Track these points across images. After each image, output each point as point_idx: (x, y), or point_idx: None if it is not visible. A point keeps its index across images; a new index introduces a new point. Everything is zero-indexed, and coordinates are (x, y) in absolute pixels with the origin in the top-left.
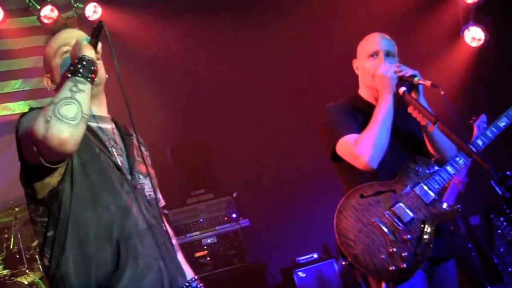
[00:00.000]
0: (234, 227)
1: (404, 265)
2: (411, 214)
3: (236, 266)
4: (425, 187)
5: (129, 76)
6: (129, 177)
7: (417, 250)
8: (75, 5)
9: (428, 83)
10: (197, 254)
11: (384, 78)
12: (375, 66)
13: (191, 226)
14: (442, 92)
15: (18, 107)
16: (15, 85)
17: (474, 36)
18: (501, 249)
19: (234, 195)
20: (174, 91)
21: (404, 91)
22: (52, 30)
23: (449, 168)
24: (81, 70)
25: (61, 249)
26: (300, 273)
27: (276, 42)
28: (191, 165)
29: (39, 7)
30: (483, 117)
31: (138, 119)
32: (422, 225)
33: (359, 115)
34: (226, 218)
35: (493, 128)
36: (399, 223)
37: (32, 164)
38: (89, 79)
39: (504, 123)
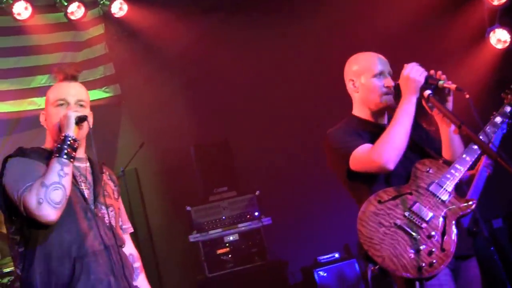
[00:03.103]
0: (256, 225)
1: (434, 261)
2: (430, 212)
3: (257, 264)
4: (439, 186)
5: (153, 74)
6: (92, 207)
7: (443, 245)
8: (102, 2)
9: (453, 86)
10: (219, 251)
11: (409, 80)
12: (385, 84)
13: (214, 223)
14: (467, 96)
15: (44, 102)
16: (42, 80)
17: (500, 38)
18: None
19: (257, 193)
20: (197, 89)
21: (429, 94)
22: (61, 77)
23: (458, 166)
24: (65, 151)
25: (30, 262)
26: (321, 272)
27: (298, 41)
28: (214, 163)
29: (66, 4)
30: None
31: (162, 117)
32: (444, 222)
33: (361, 134)
34: (248, 216)
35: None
36: (421, 222)
37: (15, 205)
38: (71, 159)
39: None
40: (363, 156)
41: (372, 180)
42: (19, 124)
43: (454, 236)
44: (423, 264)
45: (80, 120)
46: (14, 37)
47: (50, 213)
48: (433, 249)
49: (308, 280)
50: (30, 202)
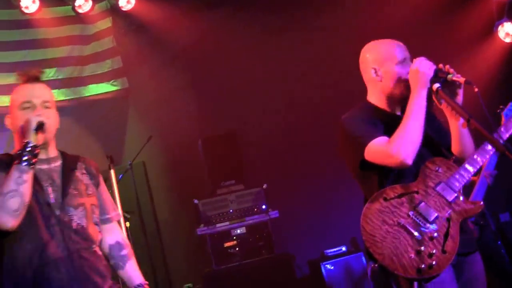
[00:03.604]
0: (263, 218)
1: (433, 263)
2: (435, 212)
3: (264, 257)
4: (447, 186)
5: (160, 67)
6: (58, 212)
7: (445, 247)
8: None
9: (462, 79)
10: (226, 244)
11: (418, 73)
12: (408, 70)
13: (221, 216)
14: (476, 89)
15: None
16: (50, 73)
17: (508, 31)
18: None
19: (264, 186)
20: (205, 83)
21: (438, 88)
22: (25, 79)
23: (468, 166)
24: (25, 158)
25: (0, 273)
26: (328, 266)
27: (304, 34)
28: (222, 156)
29: None
30: (510, 106)
31: (170, 111)
32: (448, 223)
33: (376, 123)
34: (255, 209)
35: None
36: (424, 222)
37: None
38: (31, 165)
39: None
40: (380, 150)
41: (384, 173)
42: None
43: (457, 238)
44: (423, 266)
45: (39, 127)
46: (22, 31)
47: (7, 220)
48: (434, 251)
49: (315, 273)
50: None
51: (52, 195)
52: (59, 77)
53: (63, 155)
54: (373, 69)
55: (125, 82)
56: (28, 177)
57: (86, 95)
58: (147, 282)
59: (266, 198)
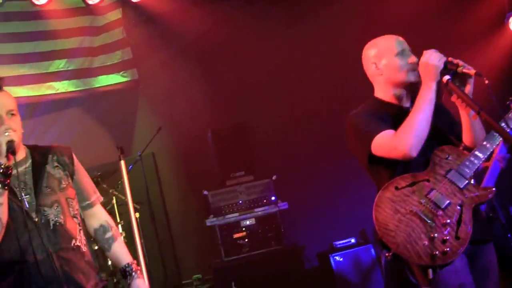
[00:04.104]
0: (273, 209)
1: (447, 249)
2: (447, 199)
3: (273, 248)
4: (458, 173)
5: (170, 58)
6: (34, 215)
7: (458, 233)
8: None
9: (472, 71)
10: (236, 236)
11: (428, 66)
12: (409, 61)
13: (230, 207)
14: (487, 81)
15: (62, 86)
16: (60, 64)
17: None
18: None
19: (274, 177)
20: (215, 74)
21: (448, 80)
22: None
23: (478, 153)
24: None
25: None
26: (337, 257)
27: (315, 26)
28: (231, 147)
29: None
30: None
31: (179, 102)
32: (460, 209)
33: (384, 117)
34: (265, 201)
35: None
36: (437, 209)
37: None
38: (5, 186)
39: None
40: (386, 143)
41: (393, 166)
42: (37, 108)
43: (469, 224)
44: (437, 252)
45: (9, 148)
46: (32, 22)
47: None
48: (448, 237)
49: (324, 265)
50: None
51: (26, 199)
52: (69, 68)
53: (32, 152)
54: (373, 64)
55: (135, 73)
56: (3, 199)
57: (96, 86)
58: (135, 261)
59: (276, 189)
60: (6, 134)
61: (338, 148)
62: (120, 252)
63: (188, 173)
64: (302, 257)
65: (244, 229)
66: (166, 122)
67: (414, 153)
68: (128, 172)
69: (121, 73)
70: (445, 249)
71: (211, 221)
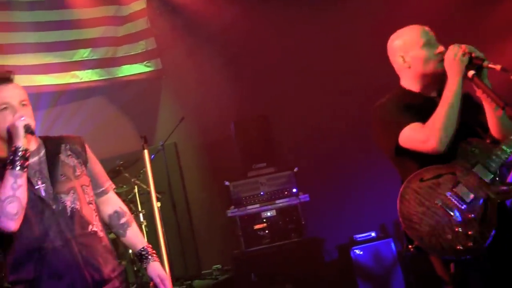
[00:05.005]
0: (294, 201)
1: (471, 244)
2: (472, 193)
3: (293, 240)
4: (484, 167)
5: (194, 49)
6: (51, 203)
7: (482, 228)
8: None
9: (498, 67)
10: (256, 227)
11: (453, 61)
12: (436, 51)
13: (252, 198)
14: None
15: (86, 75)
16: (84, 53)
17: None
18: None
19: (295, 169)
20: (238, 65)
21: (473, 74)
22: None
23: (505, 147)
24: (17, 163)
25: (6, 267)
26: (357, 251)
27: (340, 18)
28: (254, 139)
29: None
30: None
31: (203, 92)
32: (485, 204)
33: (412, 107)
34: (286, 192)
35: None
36: (462, 203)
37: None
38: (24, 169)
39: None
40: (414, 136)
41: (420, 158)
42: (62, 97)
43: (494, 220)
44: (460, 247)
45: (27, 131)
46: (57, 11)
47: (8, 225)
48: (471, 232)
49: (343, 258)
50: None
51: (42, 188)
52: (94, 57)
53: (45, 141)
54: (400, 57)
55: (159, 63)
56: (22, 181)
57: (120, 75)
58: (149, 245)
59: (297, 181)
60: (22, 119)
61: (361, 142)
62: (135, 236)
63: (210, 163)
64: (322, 249)
65: (264, 220)
66: (189, 112)
67: (443, 148)
68: (151, 161)
69: (144, 63)
70: (469, 244)
71: (232, 212)
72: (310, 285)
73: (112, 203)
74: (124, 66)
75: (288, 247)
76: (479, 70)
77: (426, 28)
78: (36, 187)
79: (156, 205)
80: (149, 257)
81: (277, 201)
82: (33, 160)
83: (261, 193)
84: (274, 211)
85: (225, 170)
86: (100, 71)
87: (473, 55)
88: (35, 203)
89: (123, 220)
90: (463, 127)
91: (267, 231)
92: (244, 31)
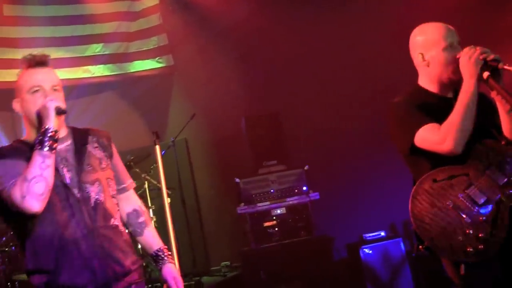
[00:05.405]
0: (304, 199)
1: (481, 246)
2: (485, 196)
3: (303, 238)
4: (498, 169)
5: (206, 46)
6: (76, 190)
7: (493, 231)
8: None
9: None
10: (266, 224)
11: (468, 63)
12: (457, 56)
13: (262, 196)
14: None
15: (98, 70)
16: (96, 48)
17: None
18: None
19: (306, 168)
20: (250, 62)
21: (488, 76)
22: (29, 63)
23: None
24: (46, 143)
25: (24, 254)
26: (366, 250)
27: (352, 16)
28: (265, 136)
29: None
30: None
31: (214, 89)
32: (497, 207)
33: (427, 107)
34: (296, 190)
35: None
36: (474, 205)
37: (5, 202)
38: (53, 150)
39: None
40: (430, 137)
41: (434, 158)
42: (74, 91)
43: (506, 222)
44: (471, 249)
45: (59, 112)
46: (70, 6)
47: (33, 205)
48: (483, 234)
49: (353, 256)
50: (15, 197)
51: (67, 175)
52: (106, 53)
53: (73, 131)
54: (420, 54)
55: (170, 59)
56: (50, 161)
57: (132, 71)
58: (165, 246)
59: (307, 179)
60: (53, 101)
61: (372, 141)
62: (152, 237)
63: (220, 160)
64: (331, 248)
65: (274, 218)
66: (200, 108)
67: (459, 149)
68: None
69: (156, 59)
70: (480, 246)
71: (242, 209)
72: (318, 284)
73: (132, 201)
74: (136, 62)
75: (297, 245)
76: (494, 71)
77: (452, 29)
78: (61, 173)
79: (167, 201)
80: (165, 258)
81: (287, 199)
82: (60, 147)
83: (271, 190)
84: (284, 208)
85: (235, 167)
86: (112, 66)
87: (488, 57)
88: (60, 190)
89: (141, 219)
90: (478, 128)
91: (276, 229)
92: (255, 28)
